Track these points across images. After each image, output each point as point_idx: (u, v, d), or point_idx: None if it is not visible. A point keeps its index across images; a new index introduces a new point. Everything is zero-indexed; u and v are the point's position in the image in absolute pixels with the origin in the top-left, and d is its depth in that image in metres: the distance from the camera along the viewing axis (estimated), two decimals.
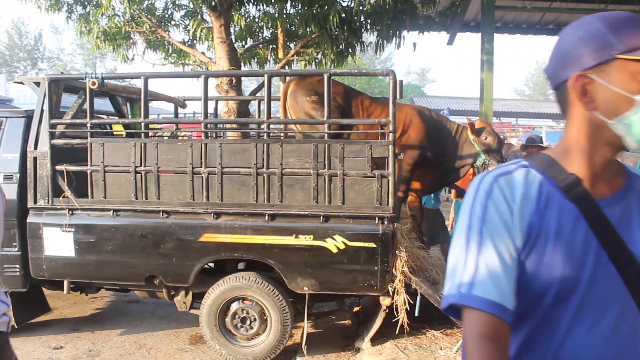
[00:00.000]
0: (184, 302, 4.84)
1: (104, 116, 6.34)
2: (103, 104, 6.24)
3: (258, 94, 8.19)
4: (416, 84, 56.33)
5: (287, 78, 5.63)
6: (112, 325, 5.56)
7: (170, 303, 5.08)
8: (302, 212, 4.33)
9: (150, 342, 5.12)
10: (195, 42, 9.07)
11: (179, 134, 6.73)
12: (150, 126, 6.07)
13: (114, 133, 5.87)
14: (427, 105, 29.92)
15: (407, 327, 4.41)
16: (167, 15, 8.97)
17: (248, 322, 4.59)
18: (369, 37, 8.96)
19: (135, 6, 8.13)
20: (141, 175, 4.51)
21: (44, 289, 5.34)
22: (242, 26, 8.13)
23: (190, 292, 4.82)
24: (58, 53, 51.31)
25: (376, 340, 4.61)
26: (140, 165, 4.49)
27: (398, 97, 4.15)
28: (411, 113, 5.43)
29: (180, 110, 6.83)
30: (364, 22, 8.30)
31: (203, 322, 4.59)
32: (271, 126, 4.76)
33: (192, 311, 4.93)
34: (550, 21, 11.52)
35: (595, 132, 1.12)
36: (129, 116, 6.09)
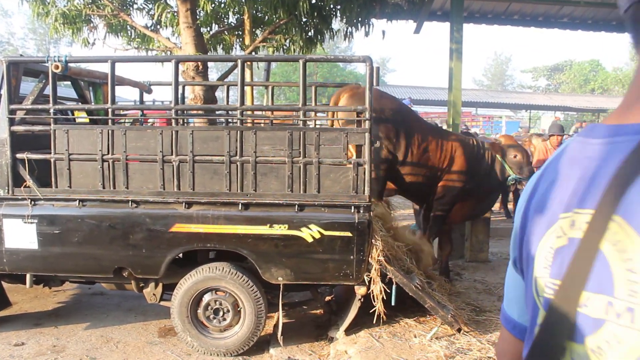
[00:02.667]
0: (154, 294, 4.71)
1: (67, 102, 6.10)
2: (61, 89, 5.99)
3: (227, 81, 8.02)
4: None
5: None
6: (76, 319, 5.38)
7: (137, 295, 4.95)
8: (277, 201, 4.24)
9: (118, 335, 4.97)
10: (159, 27, 8.81)
11: (150, 121, 6.55)
12: (116, 113, 5.86)
13: (76, 119, 5.65)
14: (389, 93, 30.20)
15: (384, 317, 4.39)
16: None
17: (221, 313, 4.50)
18: (338, 24, 8.88)
19: None
20: (108, 164, 4.35)
21: (3, 283, 5.12)
22: (208, 11, 7.90)
23: (161, 284, 4.69)
24: (8, 37, 49.43)
25: (350, 329, 4.59)
26: (108, 153, 4.33)
27: (375, 84, 4.09)
28: (455, 146, 5.46)
29: (145, 96, 6.62)
30: (333, 8, 8.20)
31: (174, 313, 4.48)
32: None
33: (162, 303, 4.80)
34: (515, 12, 11.60)
35: None
36: (92, 102, 5.87)
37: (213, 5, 8.76)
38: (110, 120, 4.48)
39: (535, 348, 0.79)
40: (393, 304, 4.36)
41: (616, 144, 0.73)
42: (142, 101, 6.45)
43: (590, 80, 49.83)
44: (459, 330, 4.38)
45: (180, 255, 4.79)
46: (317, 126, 5.59)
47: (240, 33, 9.38)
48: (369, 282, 4.28)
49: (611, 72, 50.53)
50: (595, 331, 0.70)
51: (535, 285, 0.83)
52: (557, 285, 0.76)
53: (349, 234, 4.16)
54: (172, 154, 4.29)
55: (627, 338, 0.66)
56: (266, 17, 8.97)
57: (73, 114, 5.97)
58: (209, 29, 9.31)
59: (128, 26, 8.82)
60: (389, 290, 4.32)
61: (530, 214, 0.89)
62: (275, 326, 4.77)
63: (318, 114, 5.66)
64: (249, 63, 8.61)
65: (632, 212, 0.66)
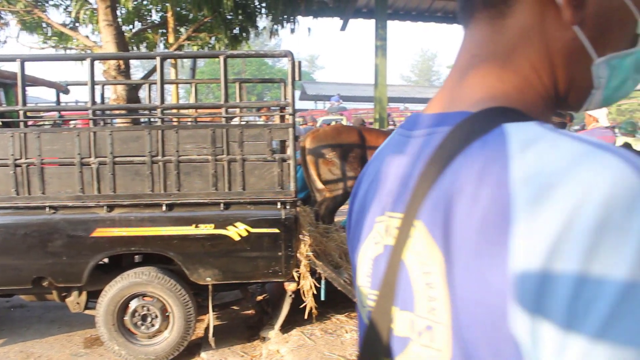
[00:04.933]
0: (78, 303, 4.52)
1: None
2: None
3: (148, 80, 7.82)
4: (306, 71, 56.96)
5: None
6: None
7: (60, 305, 4.74)
8: (202, 201, 4.16)
9: (39, 349, 4.74)
10: (78, 24, 8.48)
11: (72, 122, 6.27)
12: (30, 114, 5.59)
13: None
14: (317, 91, 30.40)
15: (315, 312, 4.39)
16: None
17: (149, 319, 4.37)
18: (263, 22, 8.84)
19: None
20: (22, 169, 4.13)
21: None
22: (130, 8, 7.67)
23: (84, 292, 4.50)
24: None
25: (282, 328, 4.56)
26: (21, 158, 4.12)
27: (297, 78, 4.08)
28: None
29: (62, 97, 6.35)
30: (258, 6, 8.14)
31: (100, 322, 4.32)
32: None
33: (86, 312, 4.61)
34: (438, 9, 11.93)
35: (548, 67, 0.63)
36: (4, 103, 5.57)
37: (135, 2, 8.54)
38: (22, 123, 4.26)
39: None
40: (322, 298, 4.37)
41: (433, 136, 0.63)
42: (58, 102, 6.18)
43: None
44: None
45: (106, 260, 4.63)
46: (242, 123, 5.53)
47: (164, 31, 9.18)
48: (299, 278, 4.27)
49: None
50: (402, 351, 0.64)
51: (360, 295, 0.75)
52: (376, 297, 0.67)
53: (276, 230, 4.13)
54: (90, 156, 4.13)
55: (426, 356, 0.59)
56: (190, 15, 8.83)
57: None
58: (131, 26, 9.06)
59: (44, 23, 8.45)
60: (319, 286, 4.33)
61: (353, 216, 0.80)
62: (207, 329, 4.69)
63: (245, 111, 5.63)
64: (173, 61, 8.44)
65: (432, 217, 0.58)
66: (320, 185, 6.19)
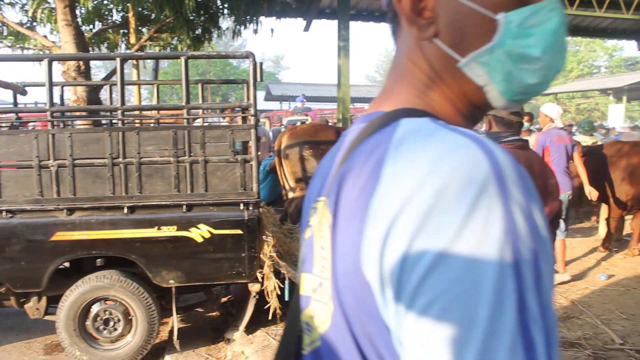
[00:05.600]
0: (37, 309, 4.43)
1: None
2: None
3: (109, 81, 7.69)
4: (271, 71, 56.88)
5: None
6: None
7: (19, 312, 4.63)
8: (164, 203, 4.13)
9: None
10: (35, 23, 8.29)
11: (31, 124, 6.12)
12: None
13: None
14: (282, 92, 30.36)
15: (280, 313, 4.40)
16: None
17: (111, 323, 4.32)
18: (226, 23, 8.79)
19: None
20: None
21: None
22: (89, 8, 7.54)
23: (44, 297, 4.42)
24: None
25: (247, 329, 4.56)
26: None
27: (258, 79, 4.08)
28: None
29: (20, 98, 6.21)
30: (221, 6, 8.10)
31: (60, 328, 4.24)
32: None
33: (46, 318, 4.53)
34: None
35: (436, 76, 0.71)
36: None
37: (95, 2, 8.40)
38: None
39: (284, 333, 0.83)
40: (287, 299, 4.38)
41: (355, 132, 0.72)
42: (16, 104, 6.04)
43: None
44: None
45: (67, 264, 4.55)
46: (204, 124, 5.51)
47: (126, 31, 9.04)
48: (263, 279, 4.27)
49: None
50: (306, 308, 0.74)
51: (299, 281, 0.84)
52: (300, 271, 0.79)
53: (239, 231, 4.13)
54: (49, 159, 4.06)
55: (319, 311, 0.69)
56: (152, 15, 8.71)
57: None
58: (91, 26, 8.90)
59: None
60: (282, 286, 4.34)
61: (303, 211, 0.88)
62: (171, 331, 4.65)
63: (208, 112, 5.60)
64: (135, 62, 8.34)
65: (331, 192, 0.67)
66: (293, 183, 6.22)
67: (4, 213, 4.07)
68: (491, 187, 0.51)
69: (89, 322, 4.29)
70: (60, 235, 4.09)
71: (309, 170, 6.17)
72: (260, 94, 32.93)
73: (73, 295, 4.22)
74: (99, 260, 4.65)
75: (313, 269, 0.71)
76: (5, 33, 8.46)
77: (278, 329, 4.57)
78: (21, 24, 8.14)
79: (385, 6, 0.78)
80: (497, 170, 0.52)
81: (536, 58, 0.66)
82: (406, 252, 0.53)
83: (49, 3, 7.89)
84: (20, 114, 5.58)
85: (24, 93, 6.05)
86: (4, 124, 5.87)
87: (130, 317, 4.31)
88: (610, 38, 19.47)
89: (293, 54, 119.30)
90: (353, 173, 0.64)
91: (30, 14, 7.93)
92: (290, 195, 6.31)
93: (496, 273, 0.49)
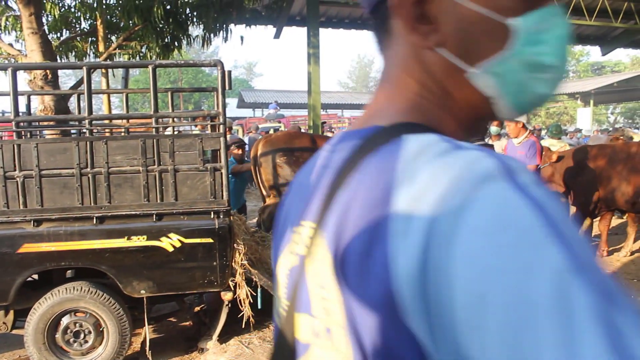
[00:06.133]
0: (4, 323, 4.35)
1: None
2: None
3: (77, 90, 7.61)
4: (244, 78, 56.85)
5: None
6: None
7: None
8: (133, 212, 4.10)
9: None
10: (0, 32, 8.17)
11: None
12: None
13: None
14: (255, 99, 30.34)
15: (253, 320, 4.39)
16: None
17: (82, 335, 4.26)
18: (196, 30, 8.77)
19: None
20: None
21: None
22: (56, 16, 7.45)
23: (12, 311, 4.34)
24: None
25: (221, 337, 4.55)
26: None
27: (227, 87, 4.09)
28: None
29: None
30: (190, 14, 8.08)
31: (29, 342, 4.17)
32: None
33: (14, 332, 4.44)
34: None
35: (437, 87, 0.66)
36: None
37: (61, 9, 8.31)
38: None
39: None
40: (259, 307, 4.38)
41: (347, 149, 0.64)
42: None
43: None
44: None
45: (35, 276, 4.48)
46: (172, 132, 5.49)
47: (94, 39, 8.96)
48: (235, 287, 4.26)
49: None
50: (304, 354, 0.65)
51: (276, 306, 0.77)
52: (287, 307, 0.68)
53: (210, 240, 4.12)
54: (15, 170, 4.00)
55: (326, 358, 0.60)
56: (121, 23, 8.65)
57: None
58: (58, 34, 8.80)
59: None
60: (255, 294, 4.34)
61: (277, 226, 0.80)
62: (143, 342, 4.61)
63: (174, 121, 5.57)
64: (104, 71, 8.26)
65: (329, 223, 0.59)
66: (266, 190, 6.23)
67: None
68: (536, 229, 0.45)
69: (58, 335, 4.22)
70: (27, 247, 4.03)
71: (283, 178, 6.17)
72: (233, 101, 32.87)
73: (42, 308, 4.15)
74: (68, 271, 4.59)
75: (312, 310, 0.62)
76: None
77: (251, 337, 4.56)
78: None
79: (368, 13, 0.71)
80: (540, 212, 0.45)
81: (551, 66, 0.62)
82: (455, 290, 0.45)
83: (14, 10, 7.79)
84: None
85: None
86: None
87: (101, 329, 4.25)
88: (575, 44, 19.91)
89: (266, 61, 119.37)
90: (357, 202, 0.56)
91: None
92: (265, 202, 6.33)
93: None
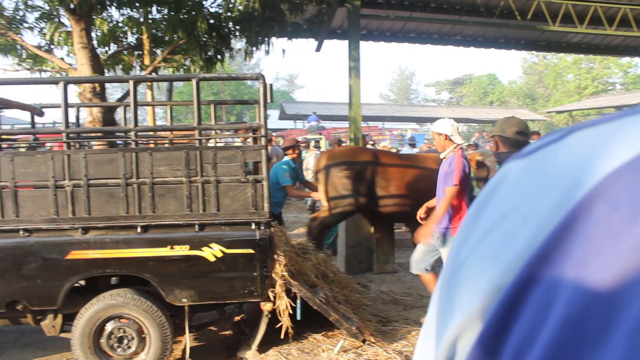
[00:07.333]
0: (53, 326, 4.49)
1: None
2: None
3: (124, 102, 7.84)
4: (285, 90, 57.37)
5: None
6: None
7: (35, 329, 4.70)
8: (176, 222, 4.19)
9: None
10: (52, 46, 8.49)
11: (48, 145, 6.26)
12: (4, 137, 5.58)
13: None
14: (296, 111, 30.56)
15: (292, 332, 4.41)
16: (18, 17, 8.29)
17: (125, 341, 4.36)
18: (238, 43, 8.93)
19: None
20: None
21: None
22: (105, 31, 7.71)
23: (60, 315, 4.48)
24: None
25: (259, 348, 4.58)
26: None
27: (269, 100, 4.16)
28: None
29: (38, 119, 6.35)
30: (232, 28, 8.24)
31: (75, 345, 4.29)
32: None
33: (62, 335, 4.58)
34: (411, 30, 12.17)
35: None
36: None
37: (110, 25, 8.58)
38: None
39: None
40: (298, 318, 4.40)
41: None
42: (33, 125, 6.17)
43: (488, 92, 52.65)
44: (363, 341, 4.48)
45: (82, 282, 4.62)
46: (216, 144, 5.60)
47: (140, 53, 9.21)
48: (274, 297, 4.30)
49: (507, 85, 53.78)
50: None
51: None
52: None
53: (250, 250, 4.17)
54: (65, 179, 4.14)
55: None
56: (166, 37, 8.88)
57: None
58: (106, 49, 9.09)
59: (18, 46, 8.44)
60: (294, 305, 4.36)
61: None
62: (184, 350, 4.68)
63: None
64: (149, 83, 8.48)
65: None
66: (325, 202, 6.51)
67: (21, 232, 4.15)
68: None
69: (103, 340, 4.34)
70: (75, 254, 4.17)
71: (339, 191, 6.45)
72: (275, 113, 33.16)
73: (88, 313, 4.27)
74: (113, 278, 4.71)
75: None
76: (24, 56, 8.66)
77: (290, 348, 4.58)
78: (39, 47, 8.35)
79: None
80: None
81: None
82: None
83: (66, 26, 8.08)
84: (37, 135, 5.70)
85: (41, 114, 6.18)
86: (22, 145, 6.00)
87: (144, 335, 4.34)
88: (622, 56, 19.40)
89: (307, 73, 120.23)
90: None
91: (47, 37, 8.11)
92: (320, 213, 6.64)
93: None
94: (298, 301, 4.38)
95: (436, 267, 5.04)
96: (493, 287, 0.37)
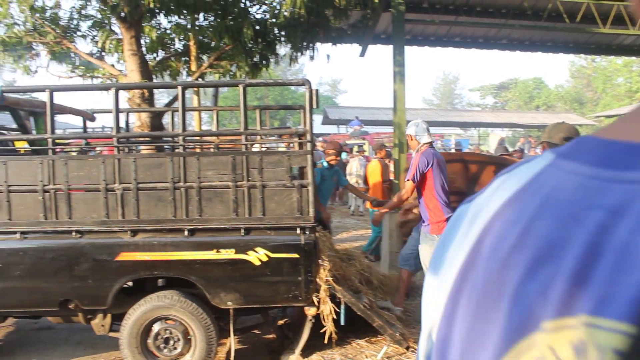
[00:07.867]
0: (103, 325, 4.61)
1: (4, 132, 5.97)
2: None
3: (172, 107, 8.00)
4: (328, 95, 57.47)
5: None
6: (20, 356, 5.19)
7: (85, 328, 4.83)
8: (223, 226, 4.25)
9: None
10: (104, 54, 8.75)
11: (98, 149, 6.45)
12: (58, 142, 5.77)
13: (17, 149, 5.54)
14: (340, 116, 30.55)
15: (335, 337, 4.41)
16: (72, 26, 8.59)
17: (171, 342, 4.43)
18: (283, 49, 9.01)
19: (38, 15, 7.74)
20: (50, 195, 4.27)
21: None
22: (154, 38, 7.89)
23: (109, 315, 4.60)
24: None
25: (302, 352, 4.59)
26: (49, 184, 4.26)
27: (314, 106, 4.17)
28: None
29: (89, 124, 6.54)
30: (278, 34, 8.32)
31: (123, 345, 4.39)
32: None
33: (111, 334, 4.70)
34: (456, 34, 12.05)
35: None
36: (34, 131, 5.77)
37: (158, 32, 8.78)
38: (50, 150, 4.41)
39: None
40: (342, 323, 4.39)
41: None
42: (85, 129, 6.37)
43: (534, 97, 51.54)
44: (407, 348, 4.44)
45: (130, 283, 4.72)
46: (262, 149, 5.65)
47: (187, 59, 9.40)
48: (318, 302, 4.30)
49: (553, 89, 52.53)
50: None
51: None
52: None
53: (295, 255, 4.19)
54: (115, 183, 4.25)
55: None
56: (212, 43, 9.02)
57: (14, 144, 5.85)
58: (155, 55, 9.30)
59: (71, 53, 8.73)
60: (338, 310, 4.36)
61: (466, 290, 0.46)
62: (228, 352, 4.73)
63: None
64: (195, 89, 8.64)
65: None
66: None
67: (73, 233, 4.28)
68: None
69: (150, 340, 4.42)
70: (124, 256, 4.27)
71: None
72: (318, 118, 33.26)
73: (136, 313, 4.37)
74: (160, 280, 4.80)
75: None
76: (77, 63, 8.95)
77: (333, 354, 4.58)
78: (91, 55, 8.62)
79: None
80: None
81: None
82: None
83: (116, 34, 8.32)
84: (89, 140, 5.86)
85: (92, 119, 6.38)
86: (74, 149, 6.19)
87: (189, 337, 4.41)
88: None
89: (350, 78, 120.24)
90: None
91: (99, 44, 8.37)
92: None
93: None
94: (342, 306, 4.38)
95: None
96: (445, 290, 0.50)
